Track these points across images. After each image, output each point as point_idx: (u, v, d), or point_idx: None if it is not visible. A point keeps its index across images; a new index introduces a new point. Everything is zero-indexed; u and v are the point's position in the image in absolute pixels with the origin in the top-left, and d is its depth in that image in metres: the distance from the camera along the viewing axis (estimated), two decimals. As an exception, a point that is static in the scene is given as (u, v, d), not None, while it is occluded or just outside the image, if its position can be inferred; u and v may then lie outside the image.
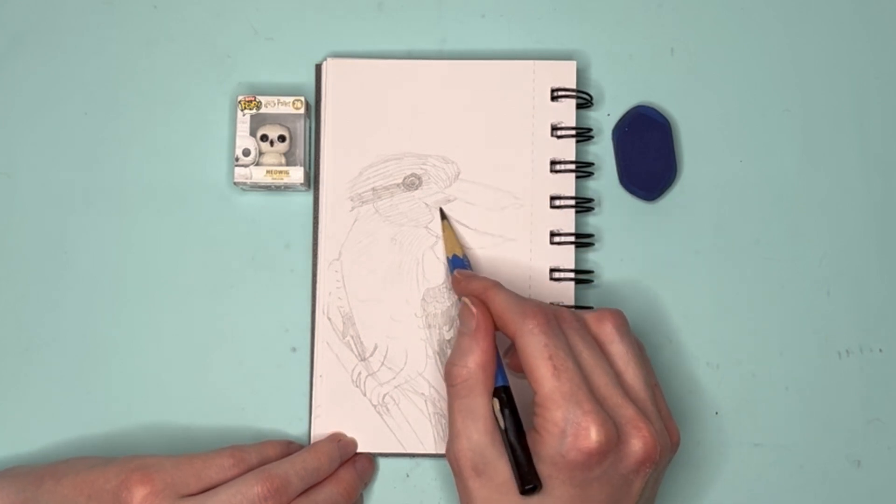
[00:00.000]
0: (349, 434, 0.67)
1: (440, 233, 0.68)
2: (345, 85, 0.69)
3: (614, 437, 0.56)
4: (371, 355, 0.67)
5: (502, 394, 0.59)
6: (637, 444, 0.57)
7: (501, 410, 0.59)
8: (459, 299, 0.63)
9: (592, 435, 0.56)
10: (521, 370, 0.59)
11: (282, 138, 0.68)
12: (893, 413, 0.68)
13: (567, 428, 0.56)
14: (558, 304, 0.66)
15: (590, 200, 0.68)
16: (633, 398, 0.58)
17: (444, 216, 0.68)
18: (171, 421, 0.68)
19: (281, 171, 0.67)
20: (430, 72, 0.69)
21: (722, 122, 0.70)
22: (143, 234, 0.69)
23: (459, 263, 0.66)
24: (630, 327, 0.61)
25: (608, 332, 0.60)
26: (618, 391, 0.58)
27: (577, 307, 0.67)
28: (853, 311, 0.69)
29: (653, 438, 0.57)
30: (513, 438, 0.58)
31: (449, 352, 0.67)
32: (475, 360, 0.60)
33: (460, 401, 0.59)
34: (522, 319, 0.58)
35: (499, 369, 0.60)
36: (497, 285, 0.61)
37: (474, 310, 0.61)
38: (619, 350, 0.60)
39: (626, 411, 0.57)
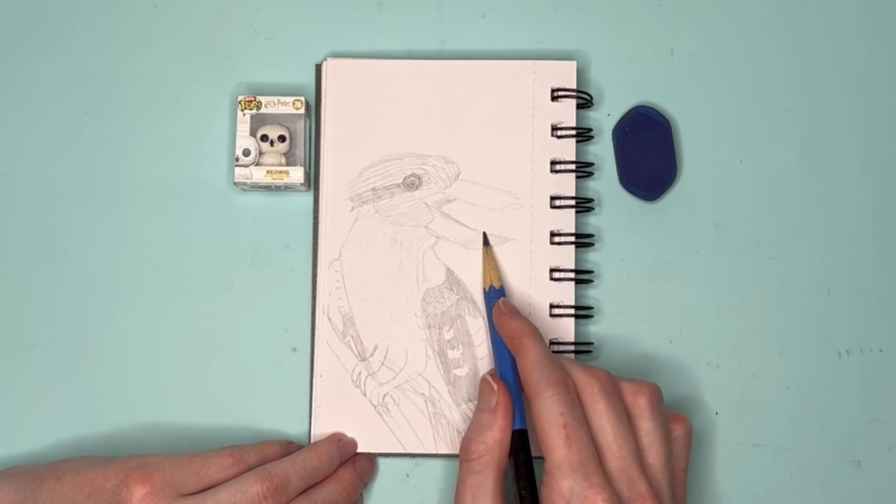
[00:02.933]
0: (349, 434, 0.67)
1: (441, 233, 0.68)
2: (345, 85, 0.69)
3: None
4: (371, 355, 0.67)
5: (518, 438, 0.60)
6: None
7: (515, 455, 0.60)
8: (490, 329, 0.64)
9: None
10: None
11: (282, 138, 0.68)
12: (893, 413, 0.68)
13: (572, 499, 0.56)
14: (594, 365, 0.64)
15: (590, 200, 0.68)
16: (649, 476, 0.58)
17: (486, 242, 0.67)
18: (171, 421, 0.68)
19: (281, 171, 0.67)
20: (430, 72, 0.69)
21: (722, 122, 0.70)
22: (142, 234, 0.69)
23: (497, 295, 0.66)
24: (664, 405, 0.61)
25: (640, 407, 0.60)
26: (636, 465, 0.58)
27: (576, 309, 0.67)
28: (853, 311, 0.69)
29: None
30: (523, 495, 0.60)
31: (449, 352, 0.67)
32: (493, 437, 0.60)
33: (473, 476, 0.60)
34: (545, 385, 0.58)
35: (518, 411, 0.61)
36: (534, 336, 0.61)
37: (495, 386, 0.61)
38: (647, 427, 0.59)
39: (639, 486, 0.57)
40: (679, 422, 0.62)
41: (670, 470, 0.60)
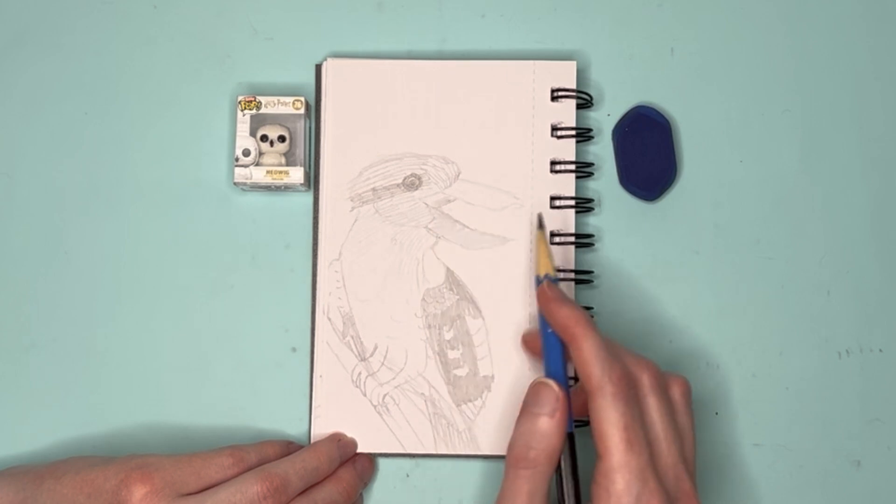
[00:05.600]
0: (349, 434, 0.67)
1: (441, 233, 0.68)
2: (345, 85, 0.69)
3: None
4: (371, 355, 0.67)
5: (566, 441, 0.59)
6: None
7: (562, 461, 0.59)
8: (541, 321, 0.62)
9: None
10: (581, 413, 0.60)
11: (282, 138, 0.68)
12: (893, 413, 0.68)
13: (628, 502, 0.56)
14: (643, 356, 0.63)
15: (590, 200, 0.68)
16: (688, 472, 0.58)
17: (541, 224, 0.65)
18: (171, 421, 0.68)
19: (281, 171, 0.67)
20: (430, 72, 0.69)
21: (722, 122, 0.70)
22: (142, 234, 0.69)
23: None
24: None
25: (677, 400, 0.60)
26: (682, 463, 0.58)
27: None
28: (853, 311, 0.69)
29: None
30: (570, 491, 0.59)
31: (449, 352, 0.67)
32: (553, 445, 0.58)
33: (531, 485, 0.57)
34: (607, 382, 0.57)
35: (568, 415, 0.59)
36: (588, 324, 0.58)
37: (559, 393, 0.59)
38: (683, 421, 0.60)
39: (685, 486, 0.57)
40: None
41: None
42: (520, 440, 0.58)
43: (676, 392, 0.60)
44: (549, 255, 0.63)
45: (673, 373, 0.61)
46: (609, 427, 0.56)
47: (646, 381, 0.58)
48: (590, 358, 0.57)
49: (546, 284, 0.62)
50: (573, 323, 0.59)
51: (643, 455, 0.56)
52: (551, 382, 0.59)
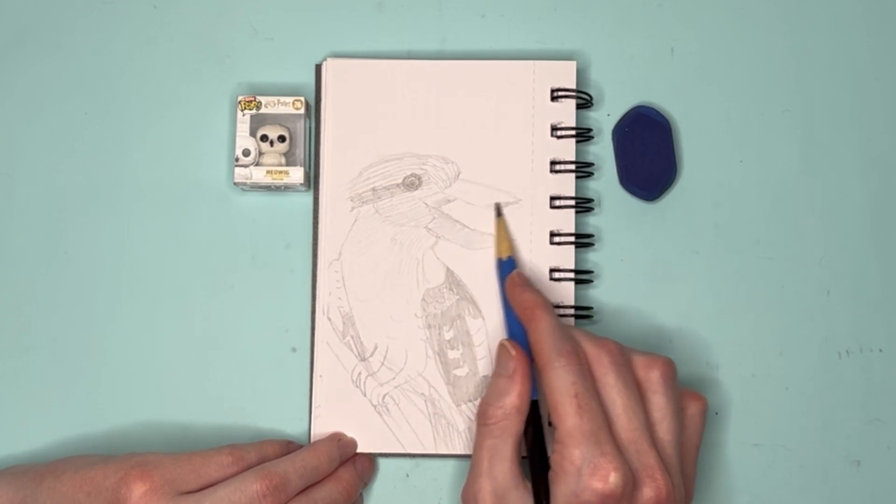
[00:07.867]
0: (349, 434, 0.67)
1: (441, 233, 0.68)
2: (345, 85, 0.69)
3: (630, 483, 0.56)
4: (371, 355, 0.67)
5: (529, 409, 0.60)
6: (649, 492, 0.57)
7: (525, 431, 0.60)
8: (502, 300, 0.64)
9: (609, 478, 0.56)
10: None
11: (282, 138, 0.68)
12: (893, 413, 0.68)
13: (583, 467, 0.56)
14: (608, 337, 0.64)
15: (590, 200, 0.68)
16: (658, 449, 0.58)
17: (499, 213, 0.68)
18: (171, 420, 0.68)
19: (281, 171, 0.67)
20: (430, 72, 0.69)
21: (722, 122, 0.70)
22: (142, 234, 0.69)
23: (509, 266, 0.66)
24: (677, 380, 0.61)
25: (653, 381, 0.60)
26: (645, 437, 0.58)
27: (576, 310, 0.67)
28: (853, 311, 0.69)
29: (666, 490, 0.57)
30: (535, 462, 0.59)
31: (449, 352, 0.67)
32: (511, 403, 0.60)
33: (491, 440, 0.60)
34: (556, 355, 0.58)
35: (531, 379, 0.61)
36: (545, 307, 0.61)
37: (513, 352, 0.61)
38: (659, 401, 0.60)
39: (648, 459, 0.57)
40: (695, 399, 0.62)
41: (681, 445, 0.60)
42: (484, 399, 0.61)
43: (655, 373, 0.60)
44: (509, 239, 0.67)
45: (656, 354, 0.61)
46: (559, 395, 0.57)
47: (605, 359, 0.59)
48: (543, 336, 0.60)
49: (516, 273, 0.64)
50: (532, 305, 0.61)
51: (595, 421, 0.57)
52: (507, 343, 0.62)
